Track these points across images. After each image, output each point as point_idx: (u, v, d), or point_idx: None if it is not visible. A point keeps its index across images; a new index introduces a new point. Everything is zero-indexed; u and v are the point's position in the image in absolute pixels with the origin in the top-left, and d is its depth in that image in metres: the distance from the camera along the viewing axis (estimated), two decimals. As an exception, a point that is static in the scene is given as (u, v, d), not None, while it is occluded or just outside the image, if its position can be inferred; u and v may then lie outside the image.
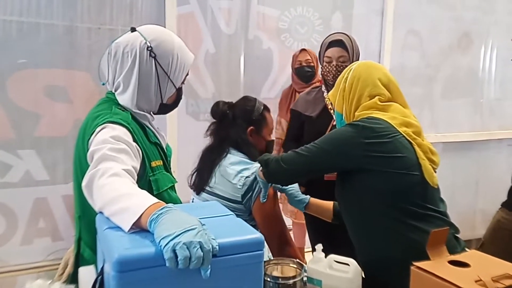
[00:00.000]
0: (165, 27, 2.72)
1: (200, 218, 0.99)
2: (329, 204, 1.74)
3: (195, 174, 1.90)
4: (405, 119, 1.42)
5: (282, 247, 1.67)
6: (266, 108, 1.91)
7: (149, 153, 1.43)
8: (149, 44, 1.43)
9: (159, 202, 1.05)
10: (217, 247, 0.95)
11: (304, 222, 2.73)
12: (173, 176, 1.57)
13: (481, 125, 4.09)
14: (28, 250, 2.54)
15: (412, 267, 0.93)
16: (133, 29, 1.48)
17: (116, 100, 1.47)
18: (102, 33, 2.58)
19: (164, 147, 1.58)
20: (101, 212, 1.11)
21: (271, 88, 3.26)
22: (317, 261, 1.35)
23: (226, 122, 1.86)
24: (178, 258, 0.88)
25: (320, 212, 1.75)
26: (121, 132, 1.31)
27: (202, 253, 0.89)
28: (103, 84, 1.53)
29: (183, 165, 2.80)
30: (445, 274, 0.86)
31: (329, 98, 1.65)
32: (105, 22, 2.60)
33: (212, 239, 0.95)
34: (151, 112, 1.54)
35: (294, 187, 1.77)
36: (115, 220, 1.05)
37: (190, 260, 0.88)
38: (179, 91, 1.54)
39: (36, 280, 0.96)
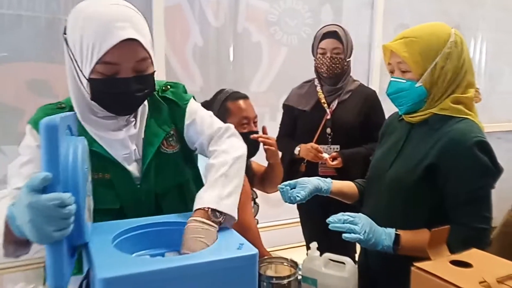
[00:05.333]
0: (151, 19, 2.67)
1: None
2: (350, 187, 1.59)
3: None
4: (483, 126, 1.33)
5: None
6: (232, 98, 1.80)
7: None
8: (65, 24, 1.13)
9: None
10: None
11: None
12: None
13: (470, 118, 4.11)
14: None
15: (412, 268, 0.89)
16: None
17: None
18: (87, 26, 2.52)
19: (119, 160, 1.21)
20: None
21: (261, 82, 3.21)
22: (312, 259, 1.31)
23: None
24: None
25: (341, 196, 1.58)
26: (27, 138, 1.20)
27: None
28: None
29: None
30: (448, 275, 0.83)
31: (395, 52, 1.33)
32: (90, 14, 2.53)
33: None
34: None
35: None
36: None
37: None
38: (93, 84, 1.10)
39: (17, 285, 0.91)
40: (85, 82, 1.11)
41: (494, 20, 4.14)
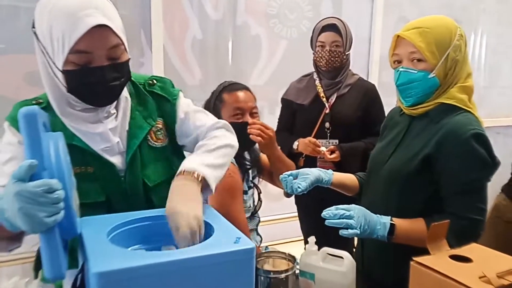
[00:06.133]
0: (150, 11, 2.64)
1: None
2: (351, 179, 1.59)
3: None
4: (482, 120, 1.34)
5: None
6: (229, 89, 1.79)
7: None
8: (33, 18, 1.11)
9: None
10: None
11: None
12: None
13: (469, 113, 4.09)
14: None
15: (411, 262, 0.88)
16: None
17: None
18: (85, 17, 2.49)
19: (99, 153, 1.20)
20: None
21: (260, 75, 3.19)
22: (310, 254, 1.30)
23: None
24: None
25: (342, 188, 1.58)
26: (6, 135, 1.17)
27: None
28: None
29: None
30: (447, 270, 0.82)
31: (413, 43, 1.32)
32: (88, 6, 2.51)
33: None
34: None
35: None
36: None
37: None
38: (68, 75, 1.08)
39: (12, 279, 0.90)
40: (59, 74, 1.09)
41: (494, 14, 4.11)
